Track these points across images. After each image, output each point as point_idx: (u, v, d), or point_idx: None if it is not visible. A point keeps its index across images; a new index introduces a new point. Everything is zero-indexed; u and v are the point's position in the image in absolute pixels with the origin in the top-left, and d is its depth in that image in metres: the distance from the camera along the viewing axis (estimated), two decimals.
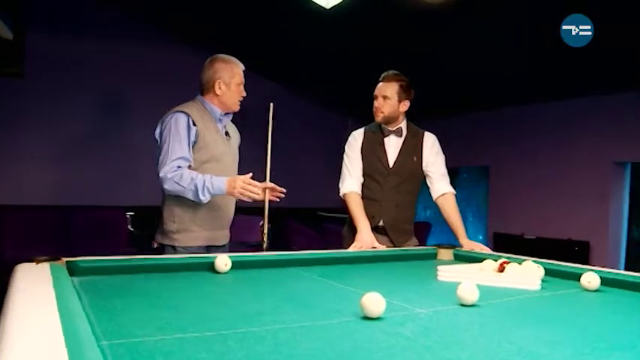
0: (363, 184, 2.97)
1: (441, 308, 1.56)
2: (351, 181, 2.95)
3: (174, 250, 2.57)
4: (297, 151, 6.91)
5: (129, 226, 5.66)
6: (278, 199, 2.77)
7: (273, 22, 5.35)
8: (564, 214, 5.25)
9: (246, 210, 3.92)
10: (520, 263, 2.09)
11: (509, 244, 3.74)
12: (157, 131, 2.63)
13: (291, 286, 1.88)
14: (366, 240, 2.72)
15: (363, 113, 7.76)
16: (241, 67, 2.72)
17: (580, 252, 4.87)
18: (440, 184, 2.96)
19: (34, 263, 1.74)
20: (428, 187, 3.02)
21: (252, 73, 6.86)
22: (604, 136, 5.02)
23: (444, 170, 3.00)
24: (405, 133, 2.99)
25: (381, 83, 2.96)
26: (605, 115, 5.04)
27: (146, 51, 6.47)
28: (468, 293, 1.60)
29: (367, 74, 5.99)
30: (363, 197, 2.93)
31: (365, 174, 2.98)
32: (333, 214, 7.07)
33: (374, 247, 2.70)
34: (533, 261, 2.16)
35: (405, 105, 2.95)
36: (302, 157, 7.14)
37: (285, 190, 2.76)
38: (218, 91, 2.66)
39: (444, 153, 3.04)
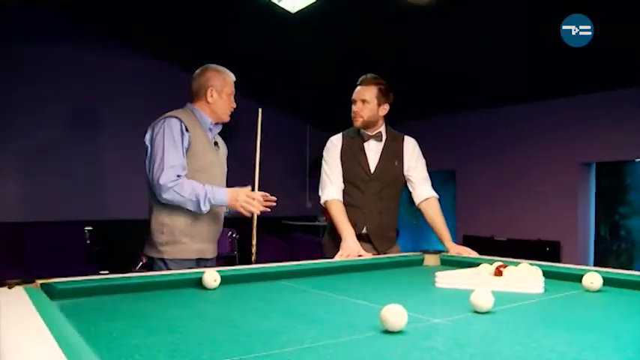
0: (343, 191, 2.88)
1: (457, 317, 1.49)
2: (332, 188, 2.85)
3: (163, 263, 2.46)
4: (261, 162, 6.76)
5: (87, 242, 5.36)
6: (269, 209, 2.65)
7: (237, 29, 5.22)
8: (533, 214, 5.34)
9: None
10: (516, 266, 2.06)
11: (480, 246, 3.73)
12: (147, 137, 2.52)
13: (290, 300, 1.77)
14: (352, 248, 2.63)
15: (321, 120, 7.78)
16: (232, 77, 2.69)
17: (551, 252, 4.95)
18: (422, 189, 2.91)
19: (5, 287, 1.57)
20: (410, 193, 2.96)
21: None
22: (570, 137, 5.15)
23: (426, 174, 2.96)
24: (384, 137, 2.92)
25: (359, 87, 2.87)
26: (570, 117, 5.17)
27: (110, 63, 6.21)
28: (484, 300, 1.54)
29: (326, 81, 5.98)
30: (344, 204, 2.84)
31: (345, 180, 2.89)
32: (298, 222, 6.97)
33: (360, 256, 2.61)
34: (530, 264, 2.13)
35: (385, 109, 2.88)
36: (263, 164, 7.00)
37: (275, 199, 2.64)
38: (210, 99, 2.61)
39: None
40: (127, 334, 1.27)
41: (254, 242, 2.77)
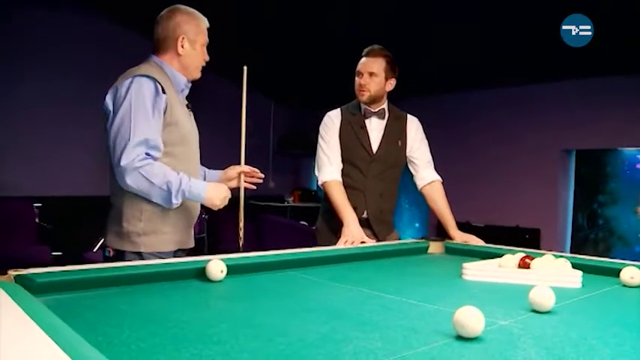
0: (342, 172, 2.65)
1: (520, 317, 1.32)
2: (331, 169, 2.61)
3: (139, 256, 1.97)
4: (220, 133, 6.43)
5: (36, 219, 4.88)
6: (254, 187, 2.38)
7: None
8: (511, 201, 5.29)
9: None
10: (540, 257, 1.92)
11: None
12: (109, 101, 1.95)
13: (318, 296, 1.53)
14: (355, 234, 2.41)
15: (284, 95, 7.48)
16: (206, 23, 2.14)
17: (531, 239, 4.93)
18: (426, 172, 2.73)
19: None
20: (412, 175, 2.77)
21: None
22: (551, 123, 5.11)
23: (429, 157, 2.78)
24: (387, 115, 2.70)
25: (365, 58, 2.62)
26: (552, 103, 5.12)
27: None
28: (546, 299, 1.37)
29: (293, 53, 5.70)
30: (344, 187, 2.61)
31: (344, 160, 2.65)
32: (267, 203, 6.69)
33: (363, 242, 2.40)
34: (532, 253, 2.00)
35: (391, 84, 2.67)
36: (221, 139, 6.67)
37: (263, 176, 2.37)
38: (180, 50, 2.05)
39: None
40: (150, 346, 1.01)
41: (241, 225, 2.49)
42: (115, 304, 1.33)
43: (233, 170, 2.29)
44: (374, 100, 2.64)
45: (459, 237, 2.58)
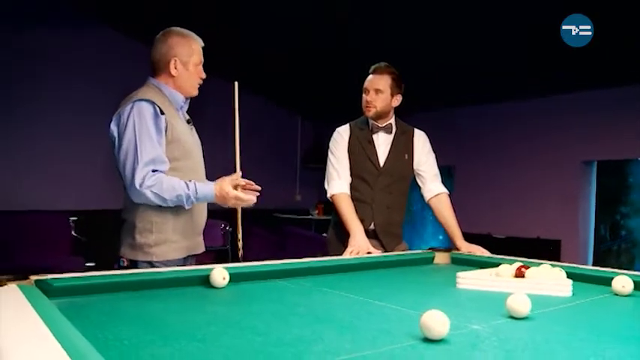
0: (350, 185, 2.76)
1: (495, 322, 1.38)
2: (339, 182, 2.73)
3: (151, 266, 2.11)
4: (246, 149, 6.59)
5: (73, 232, 5.14)
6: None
7: (227, 10, 5.04)
8: (532, 212, 5.27)
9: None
10: (537, 267, 1.96)
11: (477, 243, 3.65)
12: (113, 127, 2.12)
13: (310, 303, 1.64)
14: (361, 245, 2.51)
15: (312, 110, 7.62)
16: (200, 43, 2.27)
17: (551, 250, 4.89)
18: (433, 185, 2.81)
19: None
20: (419, 188, 2.85)
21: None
22: (571, 135, 5.08)
23: (437, 170, 2.85)
24: (394, 129, 2.80)
25: (372, 76, 2.75)
26: (572, 114, 5.10)
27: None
28: (522, 305, 1.43)
29: (318, 71, 5.83)
30: (353, 199, 2.72)
31: (353, 174, 2.77)
32: (289, 216, 6.82)
33: (369, 253, 2.49)
34: (532, 263, 2.03)
35: (397, 100, 2.78)
36: (252, 155, 6.83)
37: (259, 188, 2.47)
38: (173, 72, 2.19)
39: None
40: (140, 341, 1.13)
41: (240, 236, 2.60)
42: (120, 306, 1.47)
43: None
44: (380, 115, 2.74)
45: (465, 247, 2.63)
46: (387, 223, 2.75)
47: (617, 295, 1.79)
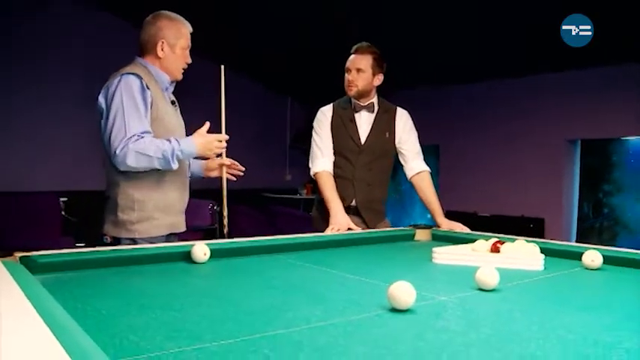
0: (333, 163, 2.81)
1: (463, 295, 1.44)
2: (322, 160, 2.79)
3: (133, 242, 2.15)
4: (237, 129, 6.60)
5: (62, 213, 5.17)
6: (235, 178, 2.53)
7: None
8: (517, 191, 5.33)
9: (194, 192, 3.62)
10: (512, 243, 2.02)
11: (463, 221, 3.73)
12: (101, 99, 2.15)
13: (287, 275, 1.69)
14: (341, 222, 2.57)
15: (302, 92, 7.62)
16: (189, 27, 2.30)
17: (535, 228, 4.97)
18: (415, 163, 2.85)
19: None
20: (402, 166, 2.90)
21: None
22: (556, 113, 5.12)
23: (418, 148, 2.89)
24: (376, 108, 2.84)
25: (353, 55, 2.78)
26: (557, 93, 5.14)
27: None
28: (489, 278, 1.49)
29: (310, 53, 5.82)
30: (335, 176, 2.78)
31: (335, 152, 2.82)
32: (278, 195, 6.87)
33: (350, 229, 2.55)
34: (527, 240, 2.09)
35: (379, 79, 2.81)
36: (242, 136, 6.84)
37: (243, 168, 2.52)
38: (160, 53, 2.23)
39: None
40: (118, 312, 1.18)
41: (225, 214, 2.64)
42: (102, 281, 1.52)
43: (214, 162, 2.45)
44: (362, 94, 2.79)
45: (446, 224, 2.69)
46: (368, 200, 2.80)
47: (587, 269, 1.85)
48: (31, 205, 5.18)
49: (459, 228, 2.64)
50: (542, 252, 1.96)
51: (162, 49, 2.23)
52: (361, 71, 2.74)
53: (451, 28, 4.72)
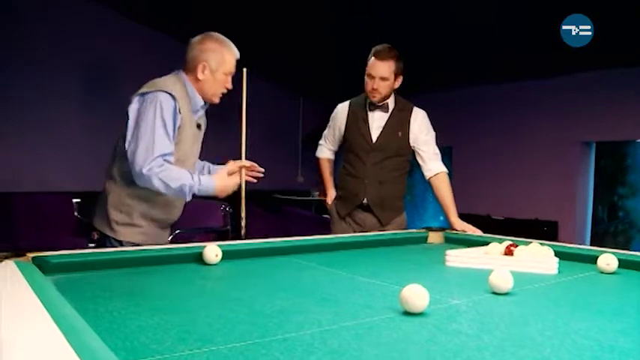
0: (346, 160, 2.90)
1: (476, 298, 1.42)
2: (325, 148, 3.10)
3: (120, 244, 2.15)
4: (248, 130, 6.59)
5: (75, 213, 5.20)
6: (255, 180, 2.52)
7: None
8: (531, 194, 5.27)
9: None
10: (526, 246, 2.00)
11: (477, 224, 3.69)
12: (134, 108, 2.14)
13: (298, 277, 1.69)
14: (330, 195, 3.06)
15: (314, 92, 7.61)
16: (235, 54, 2.27)
17: (549, 231, 4.92)
18: (433, 164, 2.85)
19: None
20: (419, 166, 2.90)
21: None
22: (570, 116, 5.05)
23: (436, 148, 2.89)
24: (391, 107, 2.85)
25: (376, 61, 2.73)
26: (571, 95, 5.07)
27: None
28: (503, 281, 1.47)
29: (321, 52, 5.82)
30: (347, 175, 2.88)
31: (348, 150, 2.89)
32: (290, 197, 6.86)
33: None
34: (540, 243, 2.07)
35: (399, 81, 2.81)
36: (254, 137, 6.82)
37: (263, 170, 2.51)
38: (200, 76, 2.21)
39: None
40: (130, 313, 1.18)
41: (243, 215, 2.64)
42: (114, 282, 1.52)
43: (234, 165, 2.42)
44: (385, 99, 2.81)
45: (459, 225, 2.68)
46: (379, 197, 2.81)
47: (602, 272, 1.82)
48: (44, 205, 5.21)
49: (471, 230, 2.62)
50: (556, 255, 1.95)
51: (202, 72, 2.21)
52: (385, 79, 2.73)
53: (465, 30, 4.68)
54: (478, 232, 2.61)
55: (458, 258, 1.96)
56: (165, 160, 2.09)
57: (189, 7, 5.32)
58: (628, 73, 4.61)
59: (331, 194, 3.05)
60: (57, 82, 5.82)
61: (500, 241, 2.09)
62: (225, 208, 4.53)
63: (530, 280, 1.67)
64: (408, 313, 1.22)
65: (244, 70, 2.44)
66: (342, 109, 2.93)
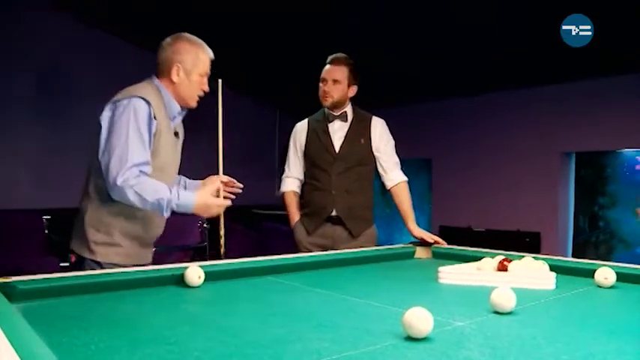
0: (310, 176, 2.85)
1: (479, 318, 1.35)
2: (289, 180, 2.95)
3: (99, 266, 1.99)
4: (224, 143, 6.45)
5: (46, 231, 5.00)
6: (234, 196, 2.39)
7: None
8: (512, 205, 5.26)
9: None
10: (519, 260, 1.95)
11: (458, 236, 3.66)
12: (106, 116, 1.99)
13: (289, 300, 1.58)
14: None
15: (290, 106, 7.54)
16: (210, 53, 2.16)
17: (531, 242, 4.91)
18: (394, 173, 2.84)
19: None
20: (380, 176, 2.88)
21: None
22: (550, 126, 5.07)
23: (396, 157, 2.88)
24: (350, 117, 2.84)
25: (330, 66, 2.79)
26: (550, 106, 5.09)
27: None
28: (506, 300, 1.40)
29: (297, 65, 5.76)
30: (313, 189, 2.83)
31: (311, 165, 2.85)
32: (269, 212, 6.74)
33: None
34: (514, 256, 2.01)
35: (353, 90, 2.81)
36: (230, 150, 6.68)
37: (242, 186, 2.38)
38: (175, 78, 2.09)
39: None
40: (109, 347, 1.07)
41: (222, 234, 2.50)
42: (89, 309, 1.40)
43: (211, 180, 2.27)
44: (336, 105, 2.79)
45: (417, 232, 2.66)
46: (349, 208, 2.76)
47: (599, 286, 1.77)
48: (12, 223, 5.00)
49: (430, 239, 2.59)
50: (550, 269, 1.89)
51: (177, 74, 2.09)
52: (337, 82, 2.75)
53: (442, 42, 4.68)
54: (441, 242, 2.58)
55: (451, 275, 1.89)
56: (140, 170, 1.95)
57: (159, 15, 5.21)
58: (606, 82, 4.66)
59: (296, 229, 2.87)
60: (24, 97, 5.63)
61: (493, 255, 2.03)
62: (202, 224, 4.40)
63: (528, 296, 1.60)
64: (411, 339, 1.14)
65: (219, 80, 2.32)
66: (300, 127, 2.92)
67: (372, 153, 2.82)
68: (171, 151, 2.18)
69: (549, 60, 4.40)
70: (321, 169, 2.80)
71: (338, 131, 2.81)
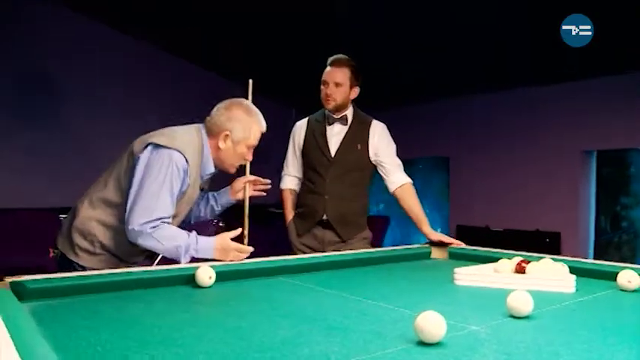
0: (306, 178, 2.82)
1: (495, 322, 1.31)
2: (287, 179, 2.93)
3: (82, 268, 1.97)
4: None
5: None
6: (264, 193, 2.37)
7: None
8: (530, 204, 5.17)
9: None
10: (538, 262, 1.89)
11: (475, 236, 3.58)
12: (146, 154, 1.97)
13: (299, 301, 1.56)
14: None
15: (306, 103, 7.51)
16: (263, 126, 2.14)
17: (551, 243, 4.81)
18: (396, 176, 2.76)
19: None
20: (383, 179, 2.81)
21: (187, 61, 6.23)
22: (571, 124, 4.97)
23: (398, 160, 2.80)
24: (350, 120, 2.78)
25: (331, 68, 2.72)
26: (572, 103, 4.99)
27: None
28: (524, 304, 1.35)
29: (312, 63, 5.74)
30: (307, 192, 2.78)
31: (308, 167, 2.81)
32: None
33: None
34: (532, 257, 1.96)
35: (355, 92, 2.76)
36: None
37: (269, 181, 2.36)
38: (221, 144, 2.07)
39: (395, 142, 2.84)
40: (117, 348, 1.05)
41: (246, 233, 2.49)
42: (99, 309, 1.39)
43: (239, 182, 2.29)
44: (338, 108, 2.74)
45: (433, 235, 2.59)
46: (340, 214, 2.72)
47: (622, 290, 1.71)
48: (28, 222, 5.05)
49: (448, 241, 2.53)
50: (570, 271, 1.84)
51: (224, 142, 2.08)
52: (339, 85, 2.69)
53: (460, 38, 4.62)
54: (456, 243, 2.52)
55: (467, 276, 1.84)
56: (162, 222, 1.95)
57: (183, 17, 5.22)
58: (628, 79, 4.55)
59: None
60: (40, 93, 5.68)
61: (510, 256, 1.97)
62: (217, 224, 4.39)
63: (547, 300, 1.55)
64: (423, 343, 1.10)
65: (250, 81, 2.31)
66: (300, 126, 2.88)
67: (369, 158, 2.76)
68: (187, 203, 2.15)
69: (571, 57, 4.32)
70: (317, 172, 2.76)
71: (336, 135, 2.76)
